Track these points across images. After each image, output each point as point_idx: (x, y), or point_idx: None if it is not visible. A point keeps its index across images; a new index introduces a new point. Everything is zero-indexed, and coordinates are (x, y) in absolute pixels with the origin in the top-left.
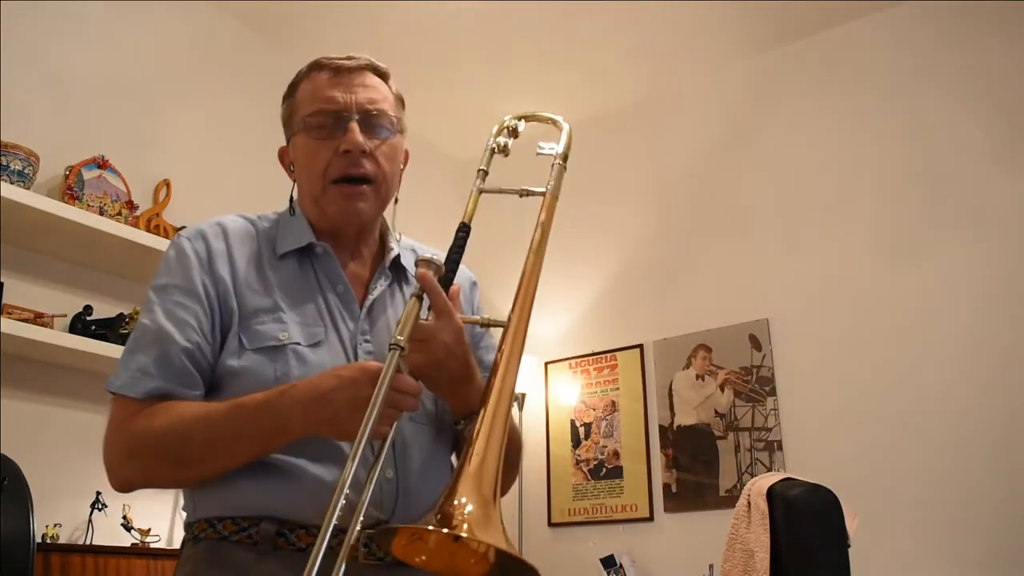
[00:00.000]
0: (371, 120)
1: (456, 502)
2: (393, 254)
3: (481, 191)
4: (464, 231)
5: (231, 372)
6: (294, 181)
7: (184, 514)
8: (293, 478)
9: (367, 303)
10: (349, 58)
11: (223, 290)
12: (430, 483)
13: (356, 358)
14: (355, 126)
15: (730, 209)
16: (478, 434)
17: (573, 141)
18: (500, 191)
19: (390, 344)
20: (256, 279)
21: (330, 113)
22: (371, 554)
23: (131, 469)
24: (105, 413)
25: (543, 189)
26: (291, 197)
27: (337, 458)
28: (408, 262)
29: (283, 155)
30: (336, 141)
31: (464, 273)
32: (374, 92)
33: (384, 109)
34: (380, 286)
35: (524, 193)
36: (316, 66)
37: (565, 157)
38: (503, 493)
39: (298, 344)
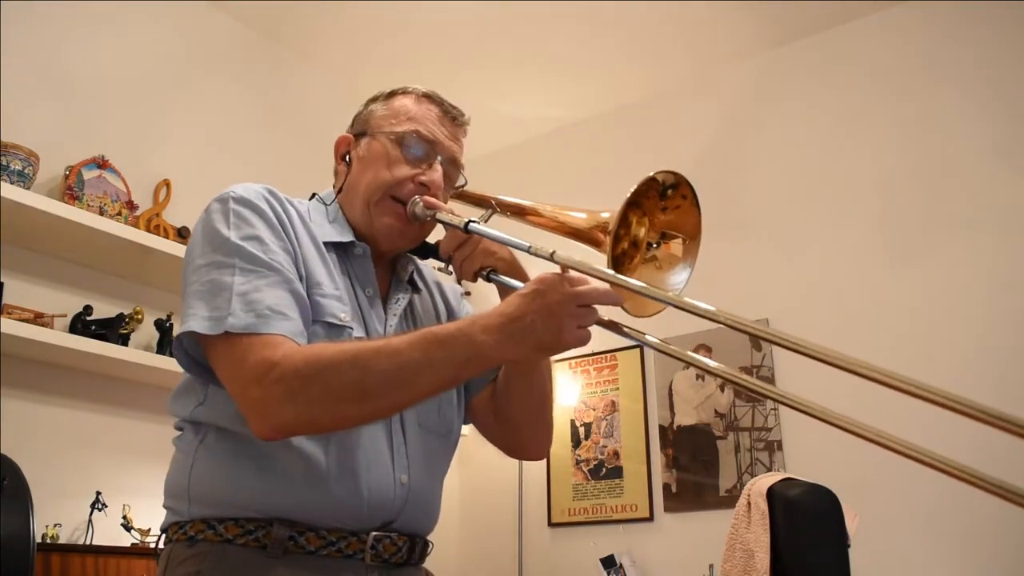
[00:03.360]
0: (450, 171)
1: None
2: (410, 269)
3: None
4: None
5: None
6: (344, 172)
7: (166, 512)
8: (303, 480)
9: (393, 310)
10: (457, 110)
11: (295, 251)
12: (431, 492)
13: None
14: (440, 168)
15: (730, 209)
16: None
17: (574, 141)
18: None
19: (547, 256)
20: (314, 251)
21: (428, 143)
22: (377, 555)
23: (296, 410)
24: (103, 412)
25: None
26: (339, 188)
27: (348, 460)
28: (423, 275)
29: (344, 143)
30: (418, 168)
31: (453, 288)
32: (460, 149)
33: (461, 166)
34: (402, 298)
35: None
36: (427, 96)
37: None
38: None
39: (352, 330)
